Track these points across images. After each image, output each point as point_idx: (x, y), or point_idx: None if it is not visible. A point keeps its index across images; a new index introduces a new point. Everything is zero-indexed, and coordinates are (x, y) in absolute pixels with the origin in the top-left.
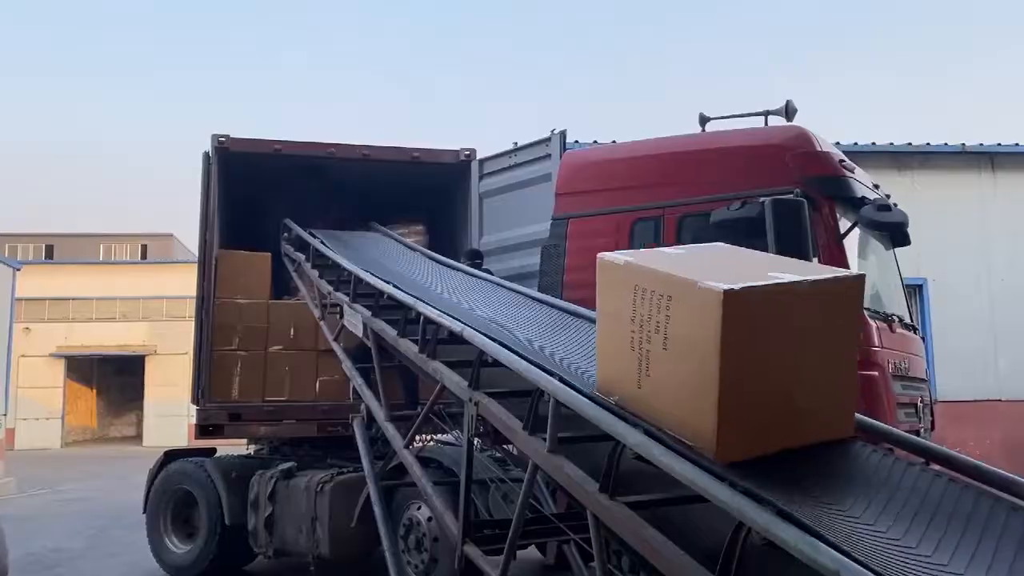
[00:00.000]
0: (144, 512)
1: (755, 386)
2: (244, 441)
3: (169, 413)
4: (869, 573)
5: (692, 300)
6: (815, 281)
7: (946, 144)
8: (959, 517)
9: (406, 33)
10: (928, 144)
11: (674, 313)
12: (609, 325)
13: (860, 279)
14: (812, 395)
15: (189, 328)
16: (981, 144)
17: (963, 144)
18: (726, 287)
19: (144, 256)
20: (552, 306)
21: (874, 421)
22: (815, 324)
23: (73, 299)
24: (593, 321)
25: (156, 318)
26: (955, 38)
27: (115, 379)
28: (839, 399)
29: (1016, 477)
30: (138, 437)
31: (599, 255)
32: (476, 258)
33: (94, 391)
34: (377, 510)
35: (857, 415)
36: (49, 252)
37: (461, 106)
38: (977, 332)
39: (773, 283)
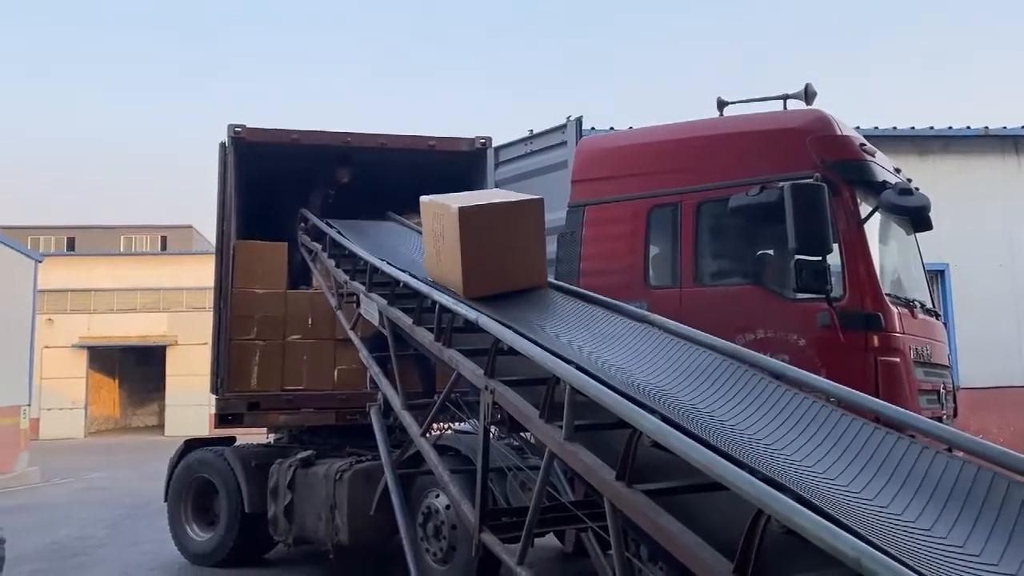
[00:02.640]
0: (165, 500)
1: (482, 257)
2: (263, 430)
3: (190, 402)
4: (889, 559)
5: (450, 215)
6: (509, 202)
7: (969, 128)
8: (982, 504)
9: (411, 28)
10: (950, 128)
11: (445, 223)
12: (427, 236)
13: (539, 201)
14: (518, 262)
15: (209, 318)
16: (1005, 127)
17: (986, 128)
18: (460, 206)
19: (164, 247)
20: (568, 293)
21: (896, 407)
22: (515, 224)
23: (94, 290)
24: (608, 307)
25: (176, 309)
26: (978, 20)
27: (137, 369)
28: (534, 265)
29: None
30: (160, 426)
31: (421, 198)
32: None
33: (116, 381)
34: (395, 498)
35: (876, 400)
36: (71, 244)
37: (471, 99)
38: (1000, 318)
39: (487, 203)
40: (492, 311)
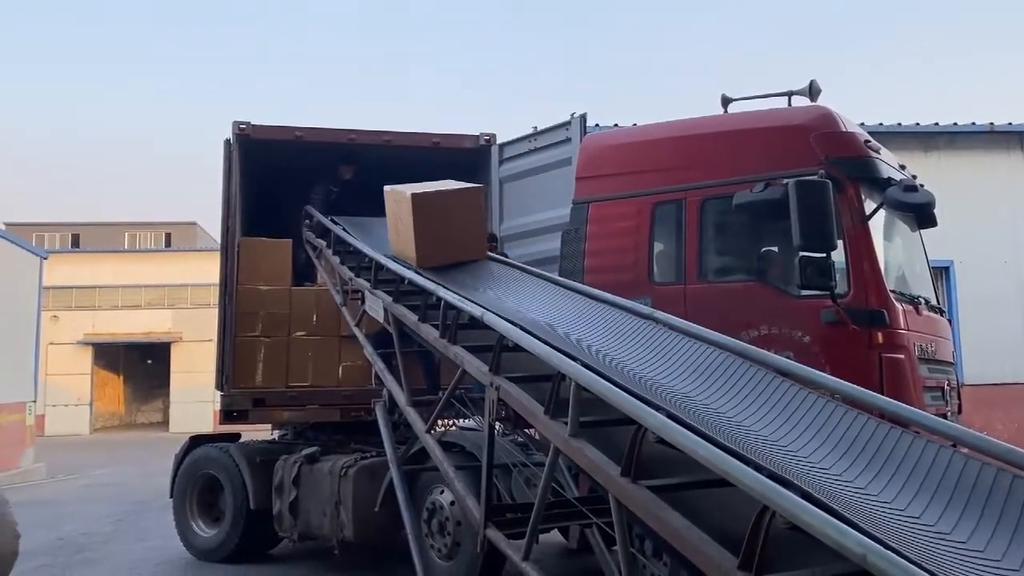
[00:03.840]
0: (171, 496)
1: (432, 234)
2: (268, 426)
3: (195, 399)
4: (895, 556)
5: (405, 199)
6: (454, 189)
7: (974, 123)
8: (989, 501)
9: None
10: (955, 124)
11: (401, 206)
12: (390, 217)
13: (480, 188)
14: (463, 238)
15: (213, 315)
16: (1010, 123)
17: (992, 124)
18: (413, 192)
19: (168, 244)
20: (573, 290)
21: (901, 404)
22: (460, 207)
23: (99, 287)
24: (614, 305)
25: (181, 305)
26: (982, 17)
27: (141, 366)
28: (476, 240)
29: None
30: (165, 423)
31: (385, 187)
32: (491, 241)
33: (121, 378)
34: (400, 494)
35: (881, 396)
36: (75, 241)
37: (471, 98)
38: (1005, 314)
39: (435, 190)
40: (492, 304)
